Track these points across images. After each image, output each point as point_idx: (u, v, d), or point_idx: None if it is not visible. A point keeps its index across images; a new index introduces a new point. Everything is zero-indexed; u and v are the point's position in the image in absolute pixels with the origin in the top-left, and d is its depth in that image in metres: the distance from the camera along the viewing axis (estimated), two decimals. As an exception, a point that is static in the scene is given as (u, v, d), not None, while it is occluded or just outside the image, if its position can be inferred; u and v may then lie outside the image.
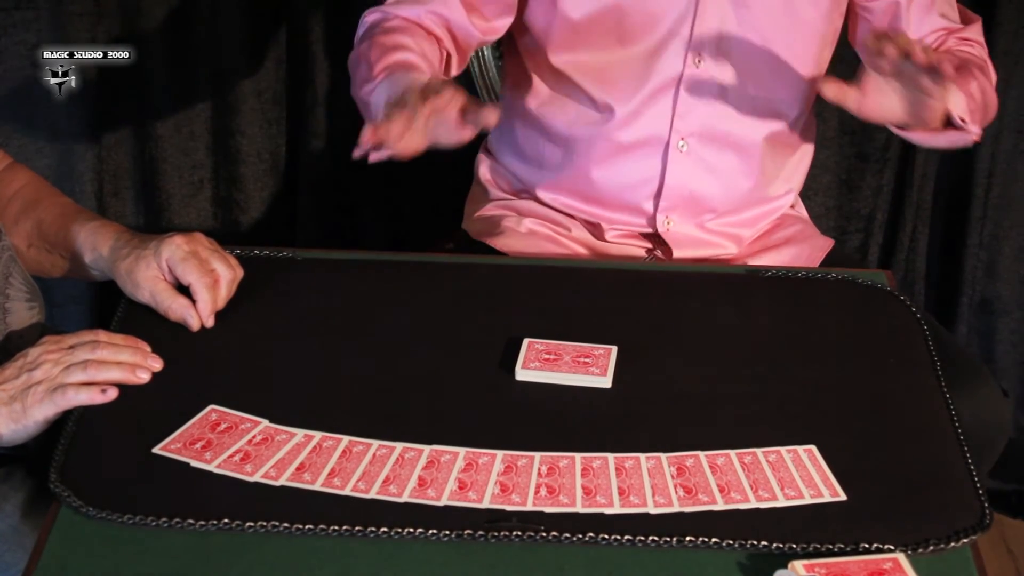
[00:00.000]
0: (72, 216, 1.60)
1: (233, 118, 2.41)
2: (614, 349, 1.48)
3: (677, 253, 1.87)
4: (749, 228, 1.90)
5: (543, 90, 1.85)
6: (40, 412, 1.37)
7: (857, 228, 2.55)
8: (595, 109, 1.81)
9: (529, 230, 1.87)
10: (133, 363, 1.42)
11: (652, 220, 1.86)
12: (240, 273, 1.56)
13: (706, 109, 1.80)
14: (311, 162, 2.45)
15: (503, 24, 1.81)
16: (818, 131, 2.49)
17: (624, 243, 1.89)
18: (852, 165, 2.52)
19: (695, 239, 1.87)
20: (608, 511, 1.26)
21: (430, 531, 1.23)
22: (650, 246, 1.90)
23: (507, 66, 1.93)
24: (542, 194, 1.89)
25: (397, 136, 1.44)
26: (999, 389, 1.85)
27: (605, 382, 1.44)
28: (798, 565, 1.19)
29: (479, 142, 2.00)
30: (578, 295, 1.61)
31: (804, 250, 1.91)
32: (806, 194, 2.53)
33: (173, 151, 2.42)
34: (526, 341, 1.49)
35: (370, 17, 1.77)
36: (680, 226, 1.86)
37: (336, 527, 1.23)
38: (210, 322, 1.52)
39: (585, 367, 1.46)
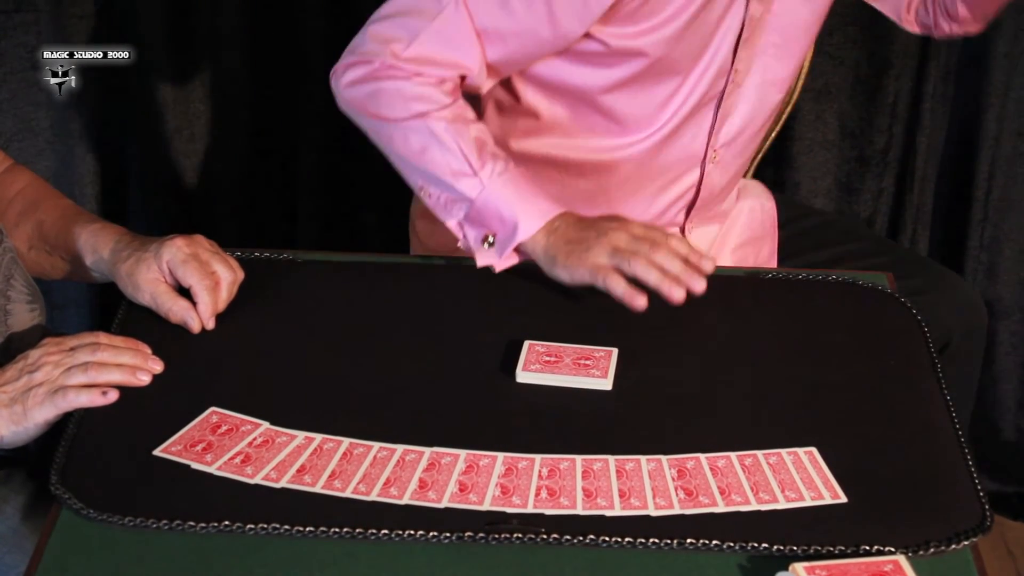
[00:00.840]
0: (73, 218, 1.60)
1: (233, 120, 2.41)
2: (615, 351, 1.48)
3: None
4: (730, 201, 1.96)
5: (563, 124, 1.77)
6: (41, 414, 1.37)
7: (857, 231, 2.55)
8: (631, 134, 1.76)
9: None
10: (134, 365, 1.42)
11: (681, 229, 1.88)
12: (241, 275, 1.56)
13: (738, 120, 1.80)
14: (311, 164, 2.45)
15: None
16: (818, 134, 2.50)
17: None
18: (852, 168, 2.52)
19: (705, 232, 1.91)
20: (609, 513, 1.26)
21: (431, 533, 1.23)
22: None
23: (500, 108, 1.82)
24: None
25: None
26: (965, 283, 2.05)
27: (606, 384, 1.44)
28: (799, 567, 1.19)
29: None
30: (579, 297, 1.61)
31: (756, 205, 1.98)
32: (807, 197, 2.53)
33: (173, 153, 2.42)
34: (526, 343, 1.49)
35: (383, 66, 1.64)
36: (699, 226, 1.89)
37: (337, 529, 1.23)
38: (211, 324, 1.52)
39: (586, 369, 1.45)
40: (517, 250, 1.61)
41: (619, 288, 1.52)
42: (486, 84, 1.71)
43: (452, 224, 1.63)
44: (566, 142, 1.79)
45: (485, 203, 1.60)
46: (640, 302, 1.51)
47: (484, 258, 1.62)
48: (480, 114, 1.80)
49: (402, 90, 1.64)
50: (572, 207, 1.74)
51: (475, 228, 1.62)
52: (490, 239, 1.61)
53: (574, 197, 1.80)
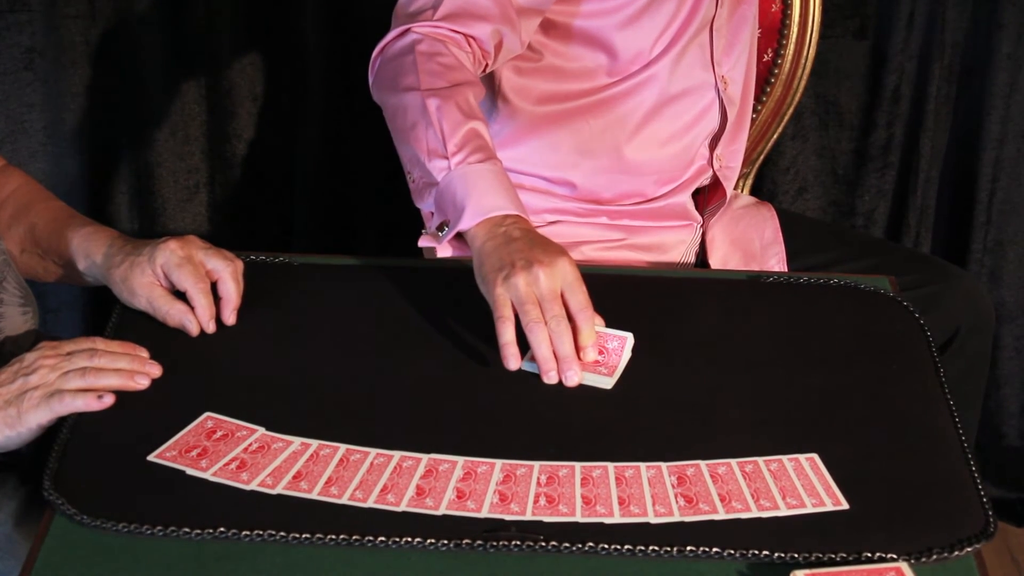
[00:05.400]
0: (65, 221, 1.59)
1: (229, 122, 2.40)
2: (629, 339, 1.47)
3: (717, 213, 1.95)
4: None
5: (583, 70, 1.84)
6: (36, 417, 1.36)
7: (859, 234, 2.54)
8: (637, 68, 1.83)
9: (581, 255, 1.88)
10: (132, 370, 1.41)
11: (709, 162, 1.92)
12: (240, 264, 1.54)
13: (728, 48, 1.88)
14: (307, 166, 2.44)
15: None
16: (820, 136, 2.49)
17: (669, 225, 1.92)
18: (854, 170, 2.51)
19: (728, 171, 1.95)
20: (608, 520, 1.25)
21: (428, 541, 1.22)
22: (696, 218, 1.94)
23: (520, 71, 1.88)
24: (584, 180, 1.88)
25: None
26: (970, 276, 2.06)
27: (608, 382, 1.43)
28: (800, 574, 1.18)
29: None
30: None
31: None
32: (807, 197, 2.52)
33: (168, 155, 2.41)
34: None
35: (417, 35, 1.66)
36: (726, 163, 1.94)
37: (333, 536, 1.22)
38: (211, 327, 1.50)
39: (594, 366, 1.45)
40: (462, 239, 1.55)
41: (503, 338, 1.44)
42: (523, 32, 1.72)
43: (425, 210, 1.60)
44: (586, 86, 1.83)
45: (447, 186, 1.55)
46: (511, 365, 1.44)
47: (430, 240, 1.58)
48: (497, 85, 1.84)
49: (422, 63, 1.63)
50: (607, 152, 1.84)
51: (439, 215, 1.57)
52: (445, 227, 1.56)
53: (603, 143, 1.85)
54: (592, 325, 1.45)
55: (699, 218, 1.95)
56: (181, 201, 2.45)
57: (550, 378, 1.43)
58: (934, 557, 1.22)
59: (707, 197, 1.98)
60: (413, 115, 1.60)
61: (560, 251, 1.48)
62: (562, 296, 1.45)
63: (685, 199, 1.93)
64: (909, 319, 1.59)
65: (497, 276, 1.46)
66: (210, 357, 1.48)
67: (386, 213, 2.47)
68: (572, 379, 1.43)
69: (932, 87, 2.41)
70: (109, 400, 1.38)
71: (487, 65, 1.72)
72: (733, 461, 1.32)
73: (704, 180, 1.95)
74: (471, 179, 1.54)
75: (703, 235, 1.96)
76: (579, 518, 1.25)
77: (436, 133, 1.57)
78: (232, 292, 1.52)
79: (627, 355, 1.47)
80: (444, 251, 1.56)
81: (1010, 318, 2.55)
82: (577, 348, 1.44)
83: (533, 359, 1.44)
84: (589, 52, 1.82)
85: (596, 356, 1.46)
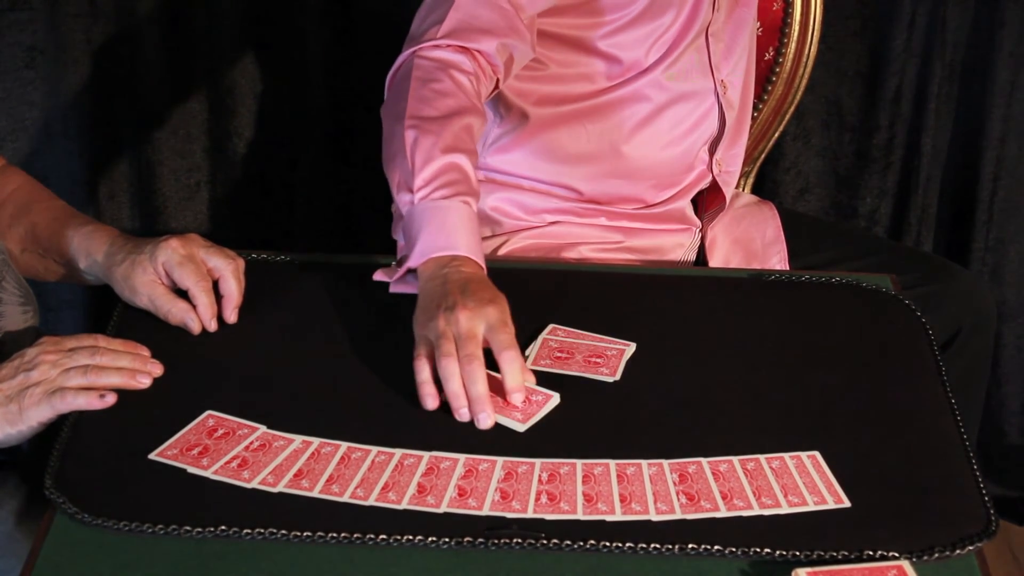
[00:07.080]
0: (65, 220, 1.59)
1: (230, 121, 2.40)
2: (628, 350, 1.47)
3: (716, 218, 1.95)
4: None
5: (581, 74, 1.83)
6: (36, 415, 1.36)
7: (861, 232, 2.54)
8: (637, 73, 1.83)
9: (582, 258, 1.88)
10: (133, 369, 1.41)
11: (708, 167, 1.92)
12: (241, 262, 1.54)
13: (727, 53, 1.88)
14: (309, 164, 2.44)
15: None
16: (822, 136, 2.49)
17: (668, 228, 1.91)
18: (855, 169, 2.51)
19: (727, 175, 1.94)
20: (609, 518, 1.25)
21: (429, 539, 1.22)
22: (695, 222, 1.94)
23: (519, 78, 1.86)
24: (583, 184, 1.87)
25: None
26: (971, 275, 2.08)
27: (520, 428, 1.39)
28: (802, 572, 1.18)
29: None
30: (580, 300, 1.60)
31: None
32: (809, 198, 2.52)
33: (169, 154, 2.41)
34: (541, 338, 1.49)
35: (418, 58, 1.63)
36: (725, 167, 1.94)
37: (334, 534, 1.22)
38: (213, 325, 1.50)
39: (595, 367, 1.45)
40: (413, 275, 1.53)
41: (419, 377, 1.40)
42: (533, 38, 1.72)
43: (399, 243, 1.59)
44: (585, 90, 1.83)
45: (409, 220, 1.53)
46: (429, 404, 1.38)
47: (383, 275, 1.56)
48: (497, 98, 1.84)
49: (414, 90, 1.60)
50: (606, 156, 1.84)
51: (403, 248, 1.55)
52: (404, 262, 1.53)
53: (601, 147, 1.85)
54: (518, 366, 1.39)
55: (698, 222, 1.95)
56: (182, 199, 2.45)
57: (461, 416, 1.36)
58: (936, 555, 1.22)
59: (706, 201, 1.98)
60: (395, 145, 1.58)
61: (491, 297, 1.42)
62: (486, 341, 1.40)
63: (684, 204, 1.93)
64: (911, 317, 1.59)
65: (421, 318, 1.43)
66: (212, 355, 1.48)
67: (387, 211, 2.46)
68: (484, 422, 1.36)
69: (933, 86, 2.41)
70: (111, 399, 1.38)
71: (499, 80, 1.70)
72: (735, 459, 1.32)
73: (703, 184, 1.95)
74: (428, 215, 1.51)
75: (702, 238, 1.96)
76: (580, 516, 1.25)
77: (408, 166, 1.54)
78: (234, 290, 1.52)
79: (547, 411, 1.40)
80: (395, 288, 1.54)
81: (1011, 316, 2.55)
82: (506, 392, 1.39)
83: (545, 365, 1.44)
84: (585, 58, 1.81)
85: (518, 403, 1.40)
